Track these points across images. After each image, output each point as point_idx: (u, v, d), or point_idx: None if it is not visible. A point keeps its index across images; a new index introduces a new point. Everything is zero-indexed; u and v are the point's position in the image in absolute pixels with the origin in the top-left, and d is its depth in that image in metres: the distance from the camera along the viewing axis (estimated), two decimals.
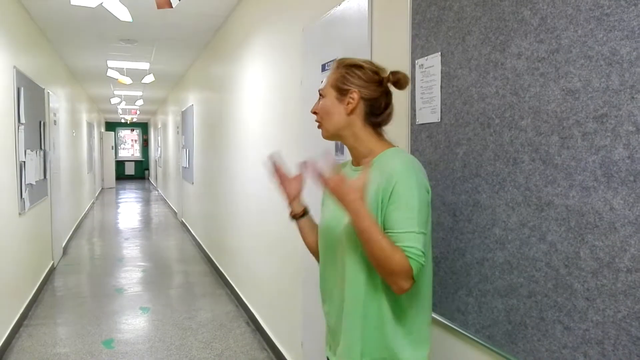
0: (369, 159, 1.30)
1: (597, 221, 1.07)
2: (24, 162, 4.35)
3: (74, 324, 4.13)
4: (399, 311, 1.29)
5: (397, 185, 1.22)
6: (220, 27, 5.29)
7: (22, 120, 4.30)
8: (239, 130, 4.53)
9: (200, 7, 4.55)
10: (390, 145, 1.36)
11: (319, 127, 1.40)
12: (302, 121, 2.85)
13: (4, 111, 3.79)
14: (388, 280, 1.20)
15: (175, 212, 10.65)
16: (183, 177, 9.04)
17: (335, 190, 1.20)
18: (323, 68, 2.50)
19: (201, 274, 5.75)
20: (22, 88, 4.34)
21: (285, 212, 3.22)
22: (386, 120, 1.38)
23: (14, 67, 4.10)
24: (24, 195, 4.34)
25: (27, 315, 4.26)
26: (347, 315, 1.32)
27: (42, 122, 5.29)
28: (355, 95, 1.33)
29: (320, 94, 1.39)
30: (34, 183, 4.78)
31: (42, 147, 5.26)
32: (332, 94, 1.36)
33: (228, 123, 5.02)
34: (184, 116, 8.59)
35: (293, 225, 3.04)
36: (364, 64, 1.36)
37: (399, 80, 1.35)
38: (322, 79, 2.52)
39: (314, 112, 1.40)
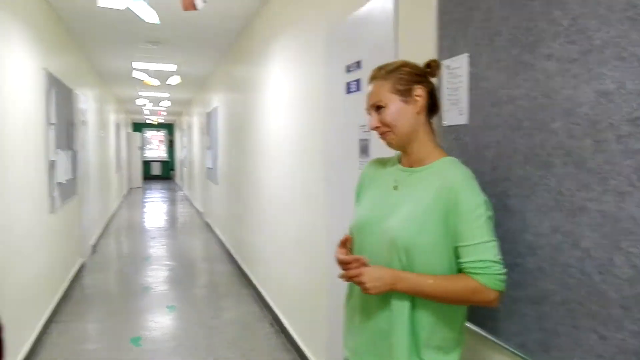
0: (425, 163, 1.37)
1: (632, 227, 1.03)
2: (54, 161, 4.46)
3: (103, 321, 4.22)
4: (435, 315, 1.30)
5: (463, 197, 1.26)
6: (244, 29, 5.32)
7: (53, 120, 4.41)
8: (263, 132, 4.56)
9: (224, 9, 4.59)
10: (444, 153, 1.40)
11: (383, 137, 1.39)
12: (325, 122, 2.84)
13: (35, 112, 3.88)
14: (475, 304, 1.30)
15: (200, 212, 10.77)
16: (208, 177, 9.14)
17: (371, 289, 1.27)
18: (347, 69, 2.49)
19: (226, 273, 5.80)
20: (53, 89, 4.45)
21: (311, 214, 3.22)
22: (437, 112, 1.46)
23: (45, 69, 4.20)
24: (55, 193, 4.45)
25: (57, 312, 4.36)
26: (390, 320, 1.31)
27: (71, 123, 5.41)
28: (421, 91, 1.37)
29: (377, 106, 1.37)
30: (64, 182, 4.89)
31: (72, 147, 5.39)
32: (395, 99, 1.35)
33: (252, 124, 5.05)
34: (209, 117, 8.68)
35: (318, 228, 3.04)
36: (404, 62, 1.39)
37: (436, 67, 1.42)
38: (345, 80, 2.51)
39: (376, 127, 1.38)
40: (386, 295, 1.31)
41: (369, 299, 1.36)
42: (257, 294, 4.82)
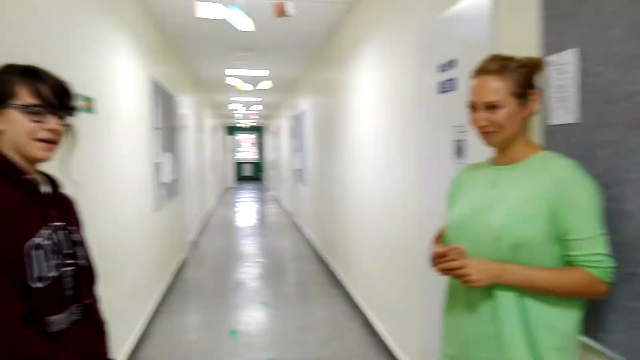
0: (522, 159, 1.35)
1: None
2: (159, 163, 4.81)
3: (202, 313, 4.48)
4: (550, 310, 1.26)
5: (574, 190, 1.23)
6: (333, 32, 5.40)
7: (158, 125, 4.76)
8: (352, 133, 4.59)
9: (316, 12, 4.68)
10: (539, 147, 1.37)
11: (487, 137, 1.36)
12: (416, 123, 2.81)
13: (143, 117, 4.22)
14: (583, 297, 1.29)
15: (288, 212, 11.07)
16: (296, 178, 9.37)
17: (476, 282, 1.24)
18: (440, 69, 2.45)
19: (315, 273, 5.92)
20: (158, 96, 4.80)
21: (402, 216, 3.20)
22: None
23: (150, 76, 4.54)
24: (159, 193, 4.80)
25: (162, 303, 4.70)
26: (498, 321, 1.28)
27: (173, 127, 5.80)
28: (536, 96, 1.35)
29: (491, 105, 1.32)
30: (168, 182, 5.26)
31: (174, 149, 5.78)
32: (512, 102, 1.32)
33: (340, 126, 5.11)
34: (298, 120, 8.90)
35: (410, 231, 3.01)
36: (517, 58, 1.36)
37: (543, 67, 1.40)
38: (438, 80, 2.46)
39: (483, 126, 1.34)
40: (490, 294, 1.28)
41: (471, 299, 1.33)
42: (347, 294, 4.87)
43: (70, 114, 1.24)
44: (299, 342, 3.80)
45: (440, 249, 1.33)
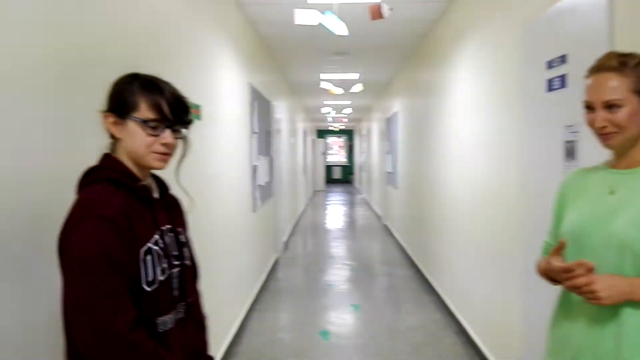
0: None
1: None
2: (256, 166, 4.99)
3: (294, 313, 4.58)
4: None
5: None
6: (428, 32, 5.29)
7: (255, 129, 4.95)
8: (447, 135, 4.46)
9: (410, 13, 4.62)
10: None
11: (606, 138, 1.26)
12: (520, 124, 2.66)
13: (243, 122, 4.40)
14: None
15: (378, 215, 11.00)
16: (387, 181, 9.29)
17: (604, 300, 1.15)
18: (548, 65, 2.30)
19: (406, 278, 5.82)
20: (255, 101, 4.99)
21: (501, 222, 3.05)
22: None
23: (249, 83, 4.74)
24: (256, 195, 4.98)
25: (257, 301, 4.87)
26: (620, 337, 1.17)
27: (269, 131, 6.00)
28: None
29: (610, 104, 1.23)
30: (263, 185, 5.45)
31: (269, 153, 5.98)
32: (634, 100, 1.22)
33: (434, 128, 4.98)
34: (389, 122, 8.82)
35: (511, 238, 2.86)
36: (638, 55, 1.24)
37: None
38: (545, 77, 2.31)
39: (602, 127, 1.24)
40: (615, 309, 1.18)
41: (591, 313, 1.23)
42: (440, 301, 4.73)
43: (185, 127, 1.27)
44: (390, 347, 3.75)
45: (564, 264, 1.23)
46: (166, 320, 1.22)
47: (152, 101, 1.18)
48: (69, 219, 1.12)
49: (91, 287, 1.06)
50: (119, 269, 1.09)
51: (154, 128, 1.18)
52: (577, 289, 1.18)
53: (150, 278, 1.16)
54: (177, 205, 1.42)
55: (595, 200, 1.30)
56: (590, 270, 1.18)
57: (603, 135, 1.26)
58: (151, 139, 1.18)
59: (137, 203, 1.20)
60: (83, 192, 1.18)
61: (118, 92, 1.21)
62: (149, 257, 1.17)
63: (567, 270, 1.20)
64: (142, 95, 1.18)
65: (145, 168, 1.24)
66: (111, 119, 1.20)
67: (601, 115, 1.24)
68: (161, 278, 1.19)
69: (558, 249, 1.29)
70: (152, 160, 1.20)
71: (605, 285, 1.14)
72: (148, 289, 1.16)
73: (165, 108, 1.19)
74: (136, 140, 1.19)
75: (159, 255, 1.20)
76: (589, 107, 1.27)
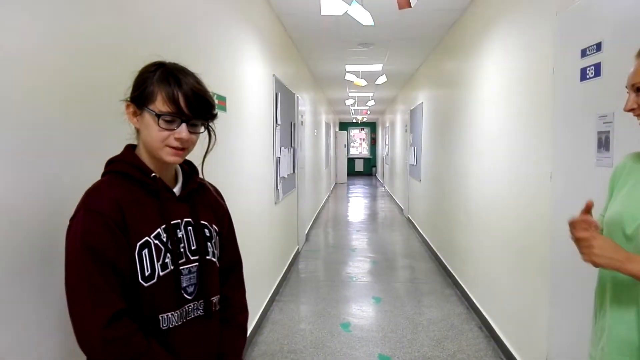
0: None
1: None
2: (279, 158, 4.99)
3: (315, 304, 4.58)
4: None
5: None
6: (455, 22, 5.19)
7: (279, 121, 4.94)
8: (473, 127, 4.38)
9: (437, 3, 4.54)
10: None
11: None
12: (551, 114, 2.59)
13: (266, 113, 4.40)
14: None
15: (401, 208, 10.93)
16: (410, 174, 9.21)
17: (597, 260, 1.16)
18: (583, 53, 2.22)
19: (428, 271, 5.77)
20: (279, 93, 4.98)
21: (528, 216, 2.98)
22: None
23: (273, 75, 4.72)
24: (279, 187, 4.99)
25: (278, 292, 4.88)
26: (635, 325, 1.16)
27: (292, 123, 5.99)
28: None
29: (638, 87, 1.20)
30: (286, 177, 5.44)
31: (292, 145, 5.97)
32: None
33: (460, 120, 4.90)
34: (413, 114, 8.72)
35: (538, 232, 2.80)
36: None
37: None
38: (579, 66, 2.24)
39: (631, 109, 1.22)
40: (637, 299, 1.16)
41: (618, 302, 1.21)
42: (463, 294, 4.67)
43: (203, 123, 1.22)
44: (412, 340, 3.72)
45: (576, 218, 1.24)
46: (170, 317, 1.17)
47: (168, 94, 1.13)
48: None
49: (73, 279, 1.07)
50: (104, 263, 1.07)
51: (168, 122, 1.14)
52: (578, 241, 1.19)
53: (147, 273, 1.13)
54: (210, 198, 1.36)
55: (637, 191, 1.26)
56: (595, 227, 1.20)
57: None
58: (165, 133, 1.14)
59: (142, 196, 1.17)
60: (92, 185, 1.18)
61: (140, 81, 1.17)
62: (145, 251, 1.13)
63: (574, 225, 1.22)
64: (160, 86, 1.14)
65: (161, 162, 1.20)
66: (131, 109, 1.18)
67: (632, 98, 1.21)
68: (161, 273, 1.15)
69: (586, 209, 1.26)
70: (165, 154, 1.16)
71: (601, 245, 1.15)
72: (145, 284, 1.12)
73: (182, 102, 1.13)
74: (150, 133, 1.15)
75: (158, 249, 1.15)
76: (637, 89, 1.22)
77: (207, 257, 1.26)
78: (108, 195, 1.12)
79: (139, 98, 1.15)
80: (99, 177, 1.21)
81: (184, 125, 1.15)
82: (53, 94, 1.31)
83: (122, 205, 1.11)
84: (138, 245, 1.12)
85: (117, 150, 1.25)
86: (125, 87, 1.20)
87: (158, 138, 1.15)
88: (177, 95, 1.13)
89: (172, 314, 1.17)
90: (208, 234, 1.29)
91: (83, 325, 1.05)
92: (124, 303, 1.09)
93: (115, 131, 1.38)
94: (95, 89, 1.51)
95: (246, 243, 3.63)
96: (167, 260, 1.16)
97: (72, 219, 1.11)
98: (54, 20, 1.32)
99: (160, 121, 1.13)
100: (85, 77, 1.46)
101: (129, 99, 1.18)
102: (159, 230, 1.16)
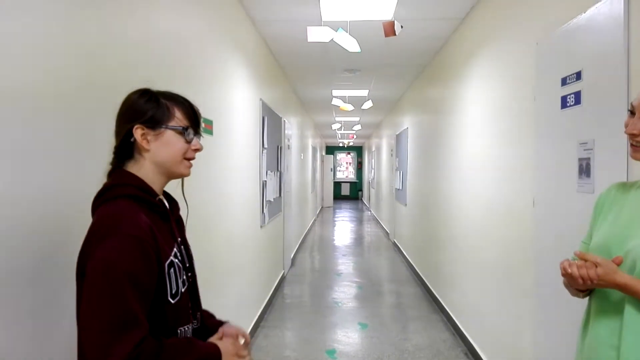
0: None
1: None
2: (266, 181, 4.98)
3: (300, 330, 4.52)
4: None
5: None
6: (439, 50, 5.30)
7: (265, 145, 4.95)
8: (457, 153, 4.43)
9: (422, 31, 4.63)
10: None
11: (635, 148, 1.25)
12: (533, 141, 2.63)
13: (253, 137, 4.41)
14: None
15: (387, 232, 10.93)
16: (396, 198, 9.24)
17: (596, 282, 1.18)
18: (563, 82, 2.28)
19: (414, 296, 5.74)
20: (266, 117, 5.00)
21: (513, 242, 3.00)
22: None
23: (260, 99, 4.75)
24: (265, 210, 4.96)
25: (263, 317, 4.81)
26: (618, 331, 1.18)
27: (279, 147, 6.01)
28: None
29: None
30: (272, 200, 5.43)
31: (279, 168, 5.97)
32: None
33: (445, 145, 4.96)
34: (399, 139, 8.81)
35: (523, 257, 2.81)
36: None
37: None
38: (560, 94, 2.29)
39: (632, 134, 1.23)
40: (621, 302, 1.18)
41: (603, 309, 1.23)
42: (449, 320, 4.65)
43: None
44: None
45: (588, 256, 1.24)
46: (187, 330, 1.22)
47: (184, 109, 1.21)
48: (92, 234, 1.08)
49: (98, 305, 1.00)
50: (140, 291, 1.05)
51: (191, 135, 1.22)
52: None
53: (174, 290, 1.16)
54: (181, 217, 1.39)
55: (625, 218, 1.28)
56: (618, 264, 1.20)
57: (633, 146, 1.24)
58: (187, 145, 1.22)
59: (158, 218, 1.19)
60: (104, 208, 1.12)
61: (142, 104, 1.18)
62: (172, 270, 1.16)
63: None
64: (173, 104, 1.21)
65: (175, 177, 1.26)
66: (140, 132, 1.17)
67: (633, 121, 1.22)
68: (182, 290, 1.20)
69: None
70: (183, 167, 1.24)
71: (606, 264, 1.17)
72: (172, 301, 1.16)
73: (194, 116, 1.24)
74: (171, 148, 1.20)
75: (179, 267, 1.20)
76: (632, 111, 1.25)
77: (195, 272, 1.32)
78: (141, 220, 1.10)
79: (152, 120, 1.18)
80: (98, 177, 1.22)
81: (198, 137, 1.26)
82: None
83: (154, 229, 1.13)
84: (166, 265, 1.15)
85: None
86: (115, 112, 1.21)
87: (180, 152, 1.21)
88: (189, 110, 1.23)
89: (187, 327, 1.23)
90: (191, 253, 1.34)
91: (104, 353, 0.98)
92: (147, 326, 1.06)
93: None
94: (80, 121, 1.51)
95: (231, 267, 3.59)
96: (184, 277, 1.22)
97: (99, 242, 1.05)
98: (38, 59, 1.33)
99: (187, 135, 1.21)
100: (68, 109, 1.46)
101: (136, 125, 1.17)
102: (175, 249, 1.21)
